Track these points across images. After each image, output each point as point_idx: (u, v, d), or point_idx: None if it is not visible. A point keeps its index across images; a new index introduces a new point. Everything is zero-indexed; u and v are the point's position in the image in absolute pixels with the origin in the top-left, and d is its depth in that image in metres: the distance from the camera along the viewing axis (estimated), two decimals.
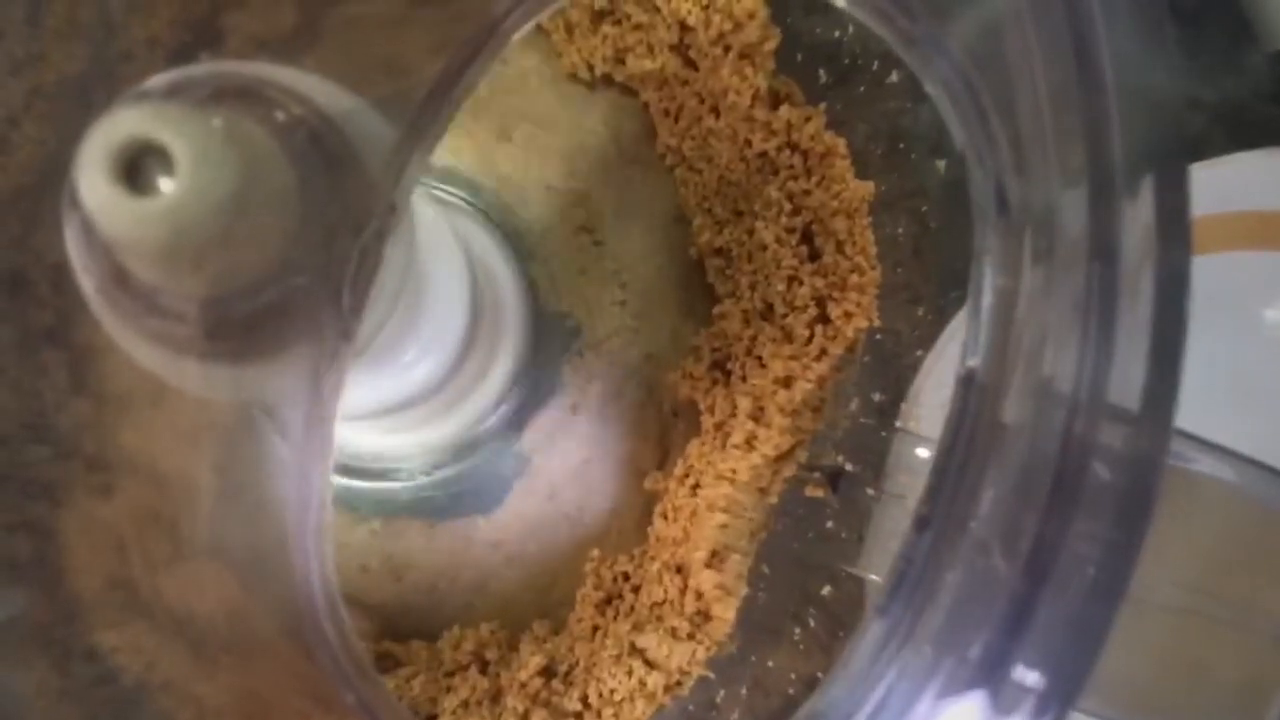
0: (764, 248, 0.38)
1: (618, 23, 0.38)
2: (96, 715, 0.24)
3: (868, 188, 0.38)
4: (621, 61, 0.38)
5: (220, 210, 0.17)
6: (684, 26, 0.37)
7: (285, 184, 0.18)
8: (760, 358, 0.38)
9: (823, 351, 0.38)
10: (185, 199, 0.16)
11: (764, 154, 0.38)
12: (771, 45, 0.38)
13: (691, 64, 0.38)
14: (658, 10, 0.37)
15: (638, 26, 0.38)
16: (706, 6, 0.37)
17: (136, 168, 0.16)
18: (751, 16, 0.37)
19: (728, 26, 0.37)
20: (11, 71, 0.24)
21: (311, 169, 0.19)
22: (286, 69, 0.20)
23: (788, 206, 0.38)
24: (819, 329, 0.38)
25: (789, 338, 0.38)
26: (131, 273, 0.18)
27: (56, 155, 0.24)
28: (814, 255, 0.38)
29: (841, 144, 0.38)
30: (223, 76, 0.20)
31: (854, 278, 0.37)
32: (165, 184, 0.17)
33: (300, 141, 0.19)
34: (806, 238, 0.39)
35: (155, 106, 0.17)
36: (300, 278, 0.19)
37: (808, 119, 0.38)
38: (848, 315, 0.37)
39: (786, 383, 0.38)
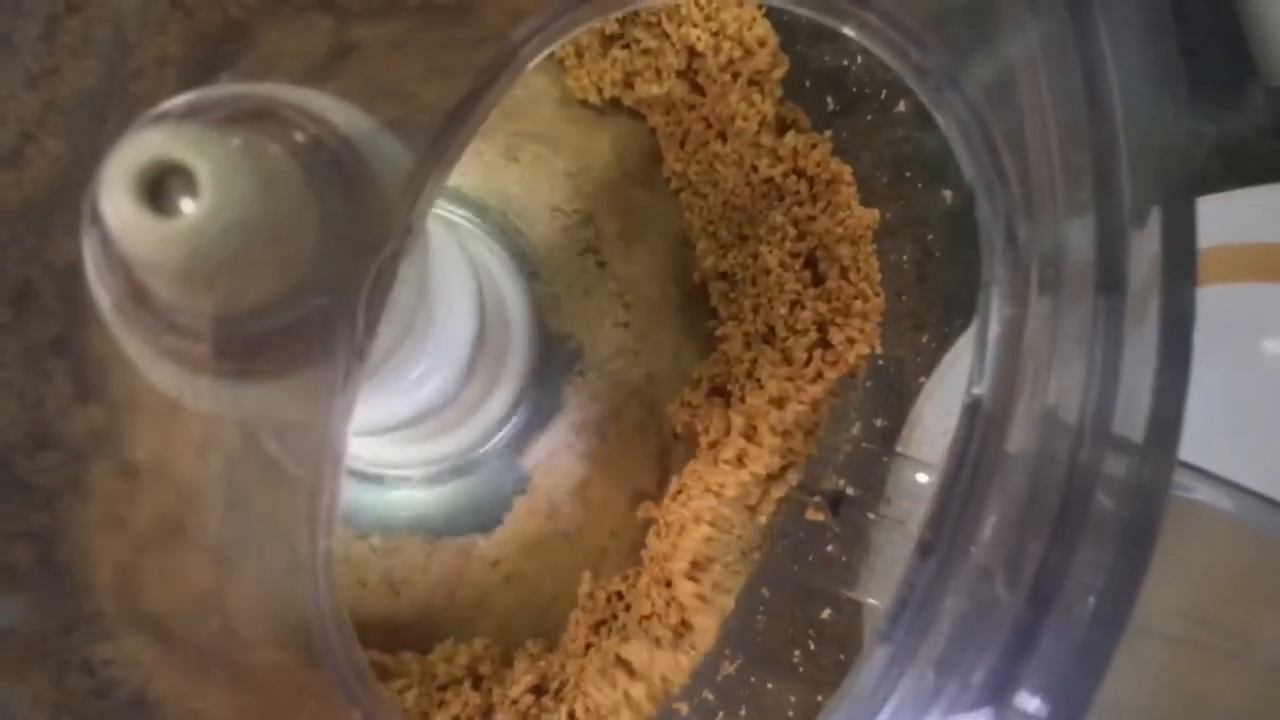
0: (767, 272, 0.38)
1: (626, 47, 0.38)
2: None
3: (872, 215, 0.38)
4: (630, 85, 0.39)
5: (241, 230, 0.17)
6: (693, 52, 0.38)
7: (305, 204, 0.18)
8: (759, 380, 0.38)
9: (819, 375, 0.38)
10: (207, 219, 0.17)
11: (770, 180, 0.38)
12: (780, 73, 0.38)
13: (699, 89, 0.38)
14: (667, 36, 0.38)
15: (646, 51, 0.38)
16: (716, 33, 0.37)
17: (159, 188, 0.17)
18: (762, 44, 0.37)
19: (737, 53, 0.37)
20: (27, 85, 0.24)
21: (330, 190, 0.19)
22: (304, 90, 0.20)
23: (792, 232, 0.38)
24: (818, 353, 0.38)
25: (788, 360, 0.38)
26: (149, 291, 0.18)
27: (71, 169, 0.24)
28: (817, 280, 0.39)
29: (847, 171, 0.38)
30: (241, 98, 0.20)
31: (858, 304, 0.38)
32: (187, 205, 0.17)
33: (319, 162, 0.19)
34: (810, 263, 0.39)
35: (179, 127, 0.17)
36: (317, 298, 0.19)
37: (814, 145, 0.38)
38: (850, 341, 0.38)
39: (779, 403, 0.38)
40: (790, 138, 0.38)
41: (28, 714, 0.23)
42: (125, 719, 0.23)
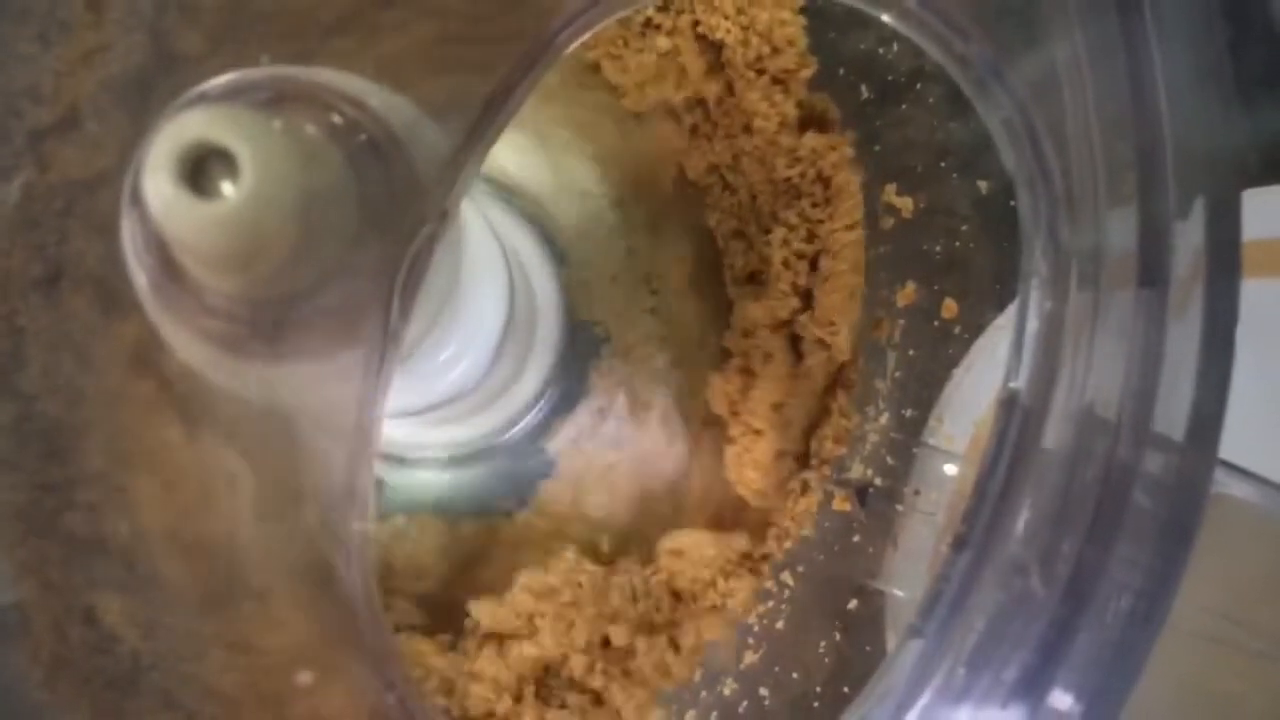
0: (770, 267, 0.38)
1: (658, 36, 0.38)
2: (94, 687, 0.24)
3: (859, 234, 0.38)
4: (659, 75, 0.38)
5: (282, 213, 0.17)
6: (720, 45, 0.37)
7: (344, 188, 0.18)
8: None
9: (794, 376, 0.38)
10: (248, 202, 0.16)
11: (788, 179, 0.38)
12: (807, 74, 0.38)
13: (727, 83, 0.38)
14: (697, 26, 0.37)
15: (676, 42, 0.38)
16: (746, 27, 0.37)
17: (200, 170, 0.17)
18: (791, 44, 0.37)
19: (765, 50, 0.37)
20: (81, 62, 0.24)
21: (368, 174, 0.19)
22: (343, 74, 0.20)
23: (803, 232, 0.38)
24: (795, 352, 0.38)
25: (771, 354, 0.38)
26: (186, 271, 0.18)
27: (119, 147, 0.24)
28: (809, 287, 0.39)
29: (855, 182, 0.38)
30: (282, 80, 0.20)
31: (831, 319, 0.38)
32: (227, 187, 0.17)
33: (358, 146, 0.19)
34: (814, 265, 0.39)
35: (220, 110, 0.17)
36: (354, 281, 0.19)
37: (833, 148, 0.38)
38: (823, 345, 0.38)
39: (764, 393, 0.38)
40: (809, 138, 0.38)
41: (27, 668, 0.23)
42: (127, 676, 0.23)
